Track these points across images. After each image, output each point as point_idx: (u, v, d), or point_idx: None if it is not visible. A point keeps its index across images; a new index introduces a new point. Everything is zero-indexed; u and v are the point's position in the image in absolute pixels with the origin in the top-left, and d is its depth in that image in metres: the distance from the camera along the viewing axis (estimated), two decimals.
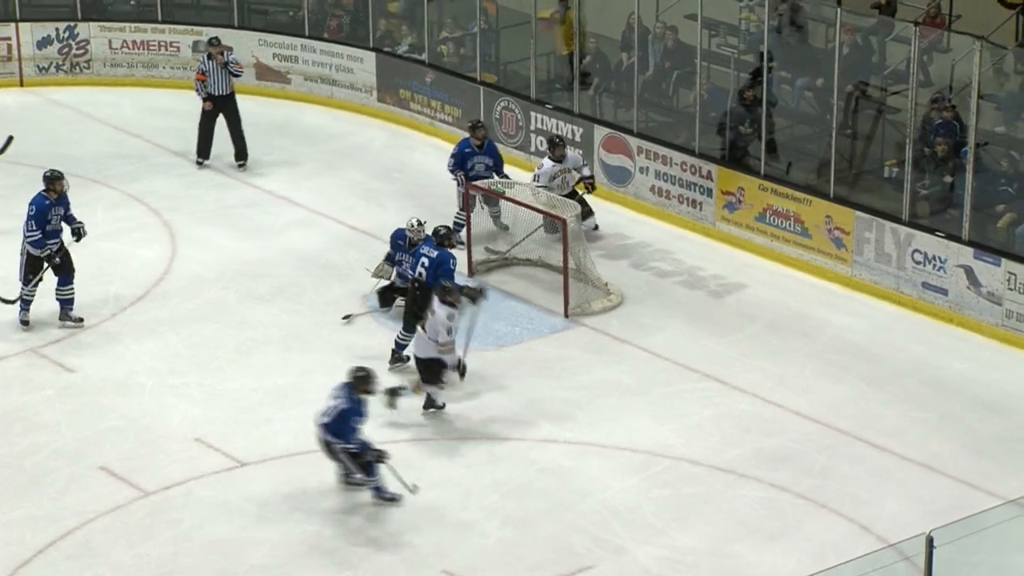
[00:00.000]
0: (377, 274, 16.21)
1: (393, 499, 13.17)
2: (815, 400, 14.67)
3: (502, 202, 17.15)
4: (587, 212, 17.49)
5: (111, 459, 13.87)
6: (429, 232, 15.42)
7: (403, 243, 15.84)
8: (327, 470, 13.75)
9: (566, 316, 16.16)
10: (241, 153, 19.41)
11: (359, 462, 13.08)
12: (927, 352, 15.56)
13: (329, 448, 13.08)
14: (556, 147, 17.38)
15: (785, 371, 15.20)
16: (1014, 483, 12.83)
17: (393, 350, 15.28)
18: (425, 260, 15.07)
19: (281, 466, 13.83)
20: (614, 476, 13.62)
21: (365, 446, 13.06)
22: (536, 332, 16.00)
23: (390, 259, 16.10)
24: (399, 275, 15.87)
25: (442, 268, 14.96)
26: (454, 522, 13.04)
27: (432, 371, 14.38)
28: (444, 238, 15.20)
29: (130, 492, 13.42)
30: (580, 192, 17.51)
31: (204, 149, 19.42)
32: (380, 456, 13.07)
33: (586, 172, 17.66)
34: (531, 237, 17.22)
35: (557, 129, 18.95)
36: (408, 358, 15.15)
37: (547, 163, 17.33)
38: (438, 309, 14.15)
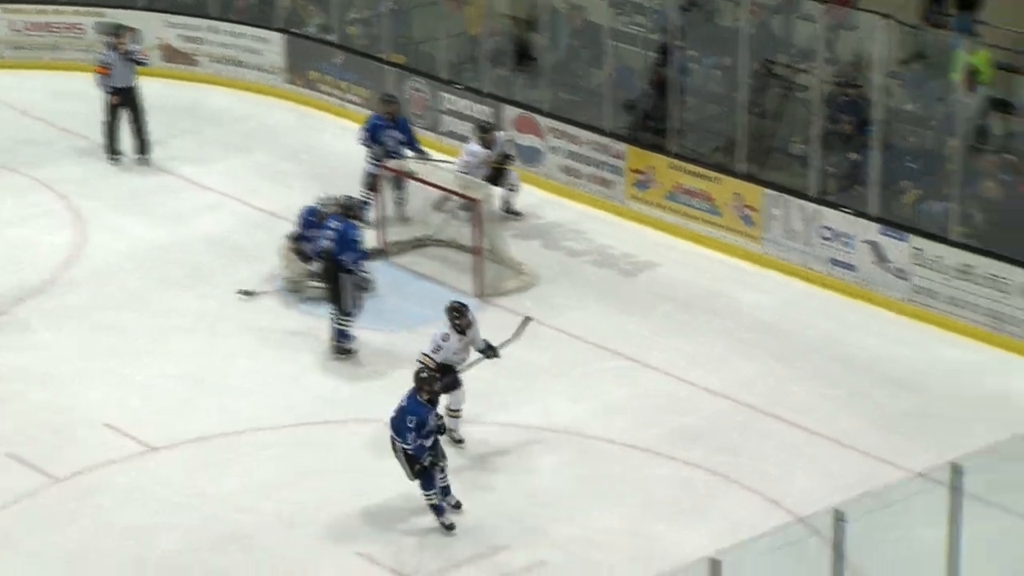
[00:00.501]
0: (287, 264, 16.18)
1: (447, 527, 12.62)
2: (726, 377, 14.79)
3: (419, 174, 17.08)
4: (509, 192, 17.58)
5: (22, 447, 13.72)
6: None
7: (314, 219, 15.83)
8: (241, 455, 13.72)
9: (479, 297, 16.18)
10: (143, 147, 19.16)
11: (414, 467, 12.57)
12: (836, 328, 15.72)
13: (392, 444, 12.68)
14: (487, 133, 17.34)
15: (697, 349, 15.31)
16: (922, 457, 12.99)
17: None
18: (331, 232, 15.03)
19: (196, 451, 13.76)
20: (530, 456, 13.66)
21: (421, 449, 12.51)
22: None
23: (296, 238, 16.07)
24: (310, 251, 15.87)
25: (346, 239, 14.93)
26: (369, 505, 13.03)
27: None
28: (350, 209, 15.16)
29: (41, 479, 13.29)
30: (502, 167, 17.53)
31: (114, 146, 19.13)
32: (434, 460, 12.53)
33: (508, 149, 17.67)
34: (444, 217, 17.24)
35: (468, 110, 18.95)
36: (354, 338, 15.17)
37: (477, 149, 17.30)
38: (444, 326, 13.60)
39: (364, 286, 15.32)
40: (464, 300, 15.31)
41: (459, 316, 13.60)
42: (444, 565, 12.34)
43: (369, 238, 15.79)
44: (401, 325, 15.60)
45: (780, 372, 14.94)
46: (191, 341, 15.47)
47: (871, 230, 16.02)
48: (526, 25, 18.95)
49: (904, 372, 14.91)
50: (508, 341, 13.93)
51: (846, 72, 16.75)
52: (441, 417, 12.90)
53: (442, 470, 12.69)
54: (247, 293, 16.11)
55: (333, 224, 15.08)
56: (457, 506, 12.79)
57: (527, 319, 14.26)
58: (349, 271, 14.97)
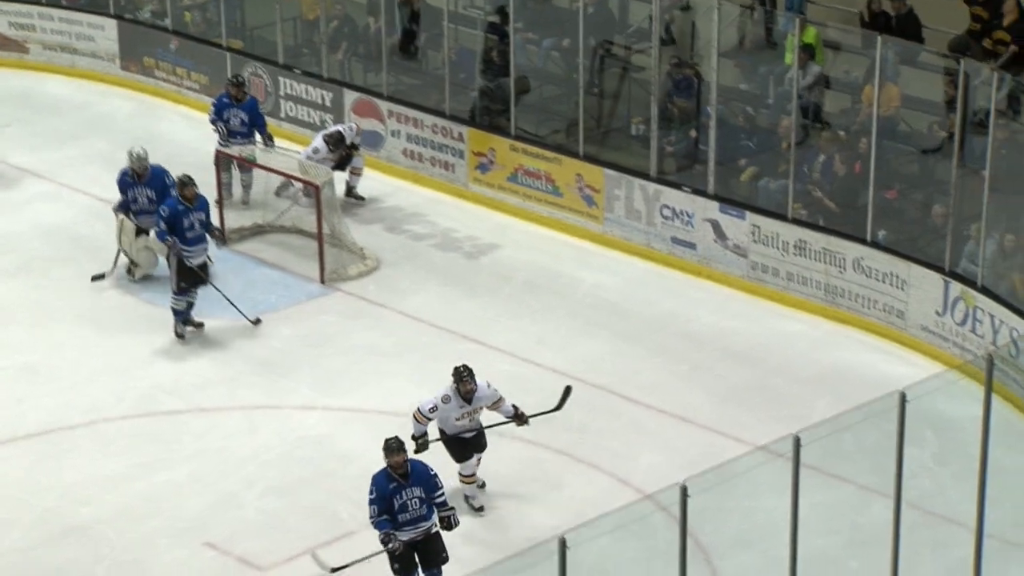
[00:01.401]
0: (124, 238, 15.94)
1: None
2: (572, 357, 14.86)
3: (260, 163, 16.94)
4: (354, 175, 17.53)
5: None
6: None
7: (130, 179, 15.68)
8: (81, 447, 13.50)
9: (322, 282, 16.09)
10: None
11: (391, 561, 11.28)
12: (678, 306, 15.89)
13: None
14: (338, 145, 17.20)
15: (542, 329, 15.38)
16: (762, 429, 13.18)
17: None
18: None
19: (34, 445, 13.51)
20: (375, 441, 13.54)
21: (381, 525, 11.16)
22: (292, 299, 15.91)
23: (123, 206, 15.84)
24: (136, 212, 15.65)
25: (158, 214, 14.90)
26: (214, 493, 12.90)
27: (454, 448, 12.54)
28: (181, 187, 15.00)
29: None
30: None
31: None
32: (386, 541, 11.13)
33: (356, 140, 17.56)
34: (286, 203, 17.12)
35: (307, 95, 18.81)
36: (201, 324, 14.97)
37: (324, 148, 17.19)
38: (447, 387, 12.42)
39: (190, 266, 14.93)
40: (309, 286, 15.19)
41: (460, 380, 12.29)
42: (292, 551, 12.24)
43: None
44: (245, 311, 15.44)
45: (625, 350, 15.05)
46: (26, 333, 15.18)
47: (711, 208, 16.20)
48: (335, 8, 18.80)
49: (744, 347, 15.11)
50: (548, 411, 12.90)
51: (682, 52, 16.91)
52: (451, 509, 11.39)
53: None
54: (99, 277, 15.83)
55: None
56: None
57: (568, 388, 13.00)
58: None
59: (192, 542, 12.35)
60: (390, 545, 11.10)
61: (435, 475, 11.37)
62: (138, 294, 15.82)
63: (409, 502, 11.18)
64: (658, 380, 14.55)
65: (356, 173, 17.64)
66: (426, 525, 11.28)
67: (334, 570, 11.39)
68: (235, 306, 15.07)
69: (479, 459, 12.78)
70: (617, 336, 15.30)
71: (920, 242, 15.17)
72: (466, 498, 12.66)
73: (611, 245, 16.91)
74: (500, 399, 12.52)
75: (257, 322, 15.19)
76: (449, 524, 11.36)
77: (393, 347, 15.05)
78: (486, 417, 12.68)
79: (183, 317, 15.02)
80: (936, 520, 12.08)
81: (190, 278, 14.95)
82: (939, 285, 14.73)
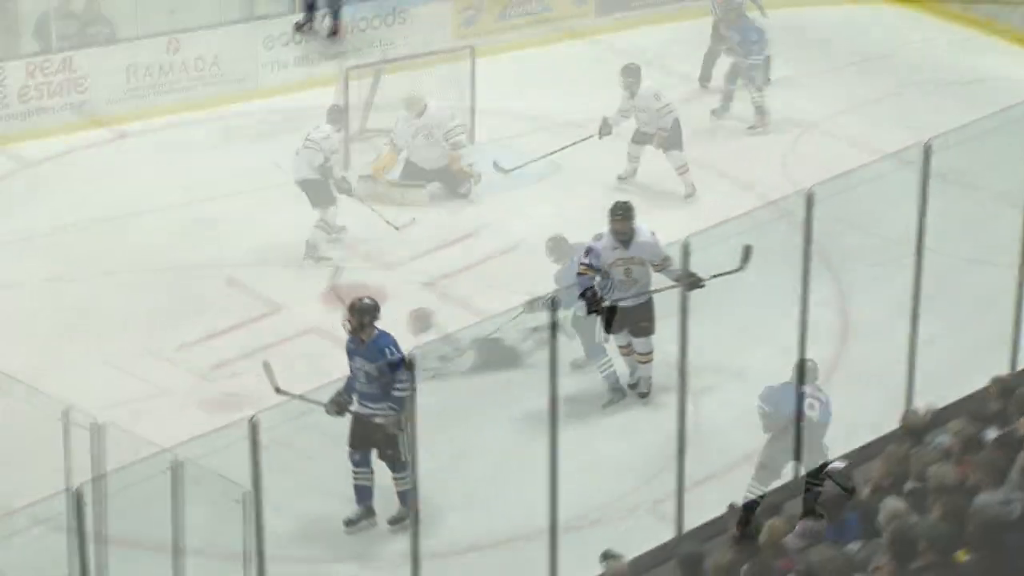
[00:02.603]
0: None
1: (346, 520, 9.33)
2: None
3: None
4: None
5: None
6: None
7: None
8: (200, 130, 13.69)
9: None
10: None
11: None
12: (813, 9, 15.56)
13: None
14: None
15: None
16: (888, 137, 12.93)
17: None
18: None
19: (165, 135, 13.73)
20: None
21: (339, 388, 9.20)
22: None
23: None
24: None
25: None
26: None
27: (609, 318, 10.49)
28: None
29: (8, 164, 13.23)
30: None
31: None
32: (332, 399, 9.06)
33: None
34: None
35: None
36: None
37: None
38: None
39: None
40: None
41: (612, 217, 10.32)
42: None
43: None
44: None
45: None
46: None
47: None
48: None
49: (877, 53, 14.82)
50: (729, 272, 10.08)
51: None
52: (396, 411, 9.04)
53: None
54: None
55: None
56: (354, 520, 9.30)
57: (748, 248, 10.00)
58: None
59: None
60: (326, 403, 9.02)
61: (399, 359, 8.85)
62: None
63: (357, 372, 9.10)
64: (785, 84, 14.29)
65: None
66: (373, 407, 9.11)
67: (277, 390, 9.12)
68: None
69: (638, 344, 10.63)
70: None
71: None
72: (630, 372, 10.70)
73: None
74: (666, 258, 10.26)
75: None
76: (385, 426, 9.08)
77: None
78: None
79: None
80: None
81: None
82: None
